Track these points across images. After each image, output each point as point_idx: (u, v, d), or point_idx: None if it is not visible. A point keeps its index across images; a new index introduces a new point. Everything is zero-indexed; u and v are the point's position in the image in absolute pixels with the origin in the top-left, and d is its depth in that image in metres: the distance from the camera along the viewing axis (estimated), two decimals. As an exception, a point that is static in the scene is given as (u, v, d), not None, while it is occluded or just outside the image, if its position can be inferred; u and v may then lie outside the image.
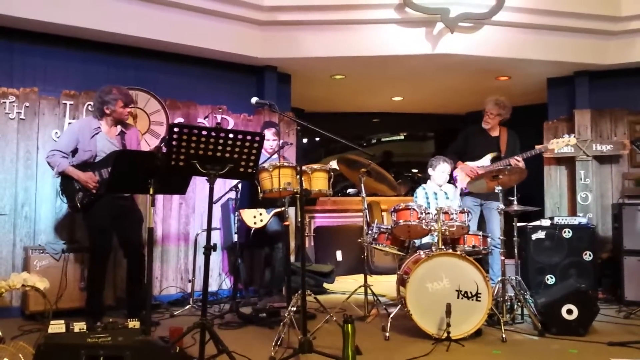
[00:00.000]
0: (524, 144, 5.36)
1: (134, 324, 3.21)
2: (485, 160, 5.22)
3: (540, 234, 5.17)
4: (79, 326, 3.07)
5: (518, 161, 5.06)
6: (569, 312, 3.85)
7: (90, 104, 4.76)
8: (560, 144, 5.01)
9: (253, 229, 4.87)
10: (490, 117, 5.36)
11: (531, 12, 5.52)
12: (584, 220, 5.32)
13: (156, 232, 5.23)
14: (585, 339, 3.74)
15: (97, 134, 4.25)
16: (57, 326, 3.03)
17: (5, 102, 4.65)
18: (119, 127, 4.36)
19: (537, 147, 5.19)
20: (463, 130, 5.68)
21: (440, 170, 5.03)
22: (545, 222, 5.23)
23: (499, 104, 5.34)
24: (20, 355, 2.62)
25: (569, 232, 5.12)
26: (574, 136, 5.08)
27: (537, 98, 6.93)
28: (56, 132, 4.80)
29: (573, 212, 5.98)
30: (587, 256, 5.07)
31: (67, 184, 4.19)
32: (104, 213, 4.18)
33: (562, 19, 5.59)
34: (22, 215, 4.70)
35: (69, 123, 4.82)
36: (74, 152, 4.24)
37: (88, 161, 4.20)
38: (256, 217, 4.86)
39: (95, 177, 4.15)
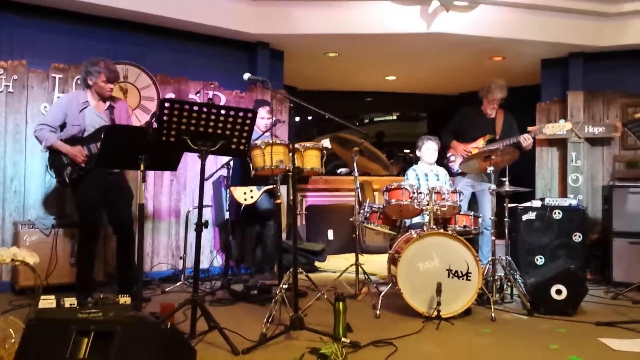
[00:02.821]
0: (518, 125, 5.35)
1: (124, 299, 3.20)
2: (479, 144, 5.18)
3: (531, 215, 5.19)
4: (69, 301, 3.06)
5: (526, 139, 5.00)
6: (558, 292, 3.89)
7: (79, 78, 4.69)
8: (555, 129, 5.02)
9: (244, 206, 4.86)
10: (496, 103, 5.27)
11: (527, -8, 5.49)
12: (574, 202, 5.34)
13: (147, 208, 5.20)
14: (573, 319, 3.78)
15: (85, 108, 4.19)
16: (47, 301, 3.02)
17: (-8, 75, 4.58)
18: (108, 102, 4.29)
19: (530, 129, 5.18)
20: (459, 110, 5.59)
21: (426, 148, 5.03)
22: (536, 203, 5.26)
23: (503, 89, 5.23)
24: (10, 329, 2.60)
25: (559, 213, 5.14)
26: (569, 121, 5.07)
27: (530, 79, 6.92)
28: (45, 106, 4.73)
29: (564, 193, 6.01)
30: (577, 237, 5.10)
31: (56, 159, 4.14)
32: (93, 188, 4.14)
33: (557, -1, 5.56)
34: (12, 190, 4.65)
35: (58, 97, 4.74)
36: (62, 126, 4.18)
37: (77, 135, 4.15)
38: (246, 194, 4.85)
39: (84, 151, 4.10)
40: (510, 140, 5.04)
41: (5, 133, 4.64)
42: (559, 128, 4.99)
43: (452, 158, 5.14)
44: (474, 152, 5.01)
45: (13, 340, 2.56)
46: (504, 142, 5.05)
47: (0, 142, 4.62)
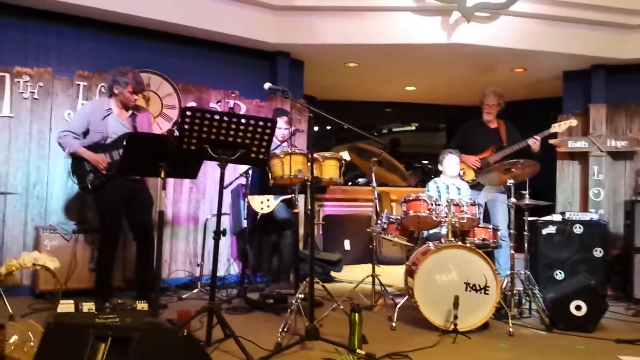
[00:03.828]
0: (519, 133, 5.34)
1: (142, 305, 3.23)
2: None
3: (551, 229, 5.12)
4: (87, 306, 3.09)
5: (536, 140, 5.13)
6: (578, 308, 3.83)
7: (103, 86, 4.77)
8: (563, 127, 5.19)
9: (261, 215, 4.88)
10: (492, 109, 5.39)
11: (549, 3, 5.45)
12: (595, 217, 5.26)
13: (166, 215, 5.25)
14: (593, 336, 3.71)
15: (108, 115, 4.25)
16: (66, 306, 3.05)
17: (19, 82, 4.67)
18: (131, 110, 4.35)
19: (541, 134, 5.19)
20: (461, 126, 5.68)
21: (447, 162, 4.99)
22: (557, 217, 5.19)
23: (498, 94, 5.40)
24: (29, 333, 2.64)
25: (580, 227, 5.06)
26: (574, 118, 5.32)
27: (552, 91, 6.85)
28: (69, 113, 4.81)
29: (585, 208, 5.93)
30: (598, 252, 5.02)
31: (78, 165, 4.20)
32: (115, 195, 4.19)
33: (580, 11, 5.50)
34: (34, 195, 4.73)
35: (82, 104, 4.82)
36: (86, 133, 4.24)
37: (99, 142, 4.21)
38: (263, 203, 4.86)
39: (107, 158, 4.15)
40: (520, 145, 5.15)
41: (30, 139, 4.72)
42: (566, 125, 5.15)
43: (461, 172, 5.14)
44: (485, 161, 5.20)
45: (32, 344, 2.59)
46: (513, 147, 5.17)
47: (24, 148, 4.70)
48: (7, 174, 4.63)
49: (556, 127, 5.16)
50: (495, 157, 5.22)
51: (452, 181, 5.00)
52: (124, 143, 3.77)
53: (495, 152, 5.27)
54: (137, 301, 3.28)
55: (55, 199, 4.80)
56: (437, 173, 5.17)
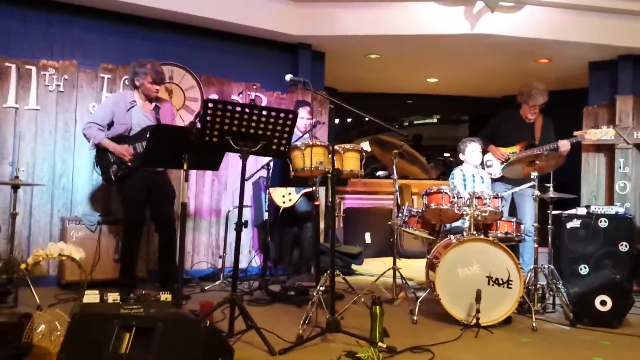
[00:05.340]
0: (562, 130, 5.20)
1: (165, 296, 3.27)
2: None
3: (576, 223, 5.04)
4: (112, 297, 3.14)
5: (566, 144, 4.90)
6: (603, 303, 3.77)
7: (127, 78, 4.82)
8: (598, 134, 4.93)
9: (282, 208, 4.89)
10: (538, 109, 5.12)
11: (575, -7, 5.35)
12: (621, 210, 5.16)
13: (188, 207, 5.29)
14: (618, 332, 3.66)
15: (132, 107, 4.29)
16: (91, 296, 3.11)
17: (45, 74, 4.73)
18: (154, 102, 4.39)
19: (576, 133, 5.02)
20: (496, 115, 5.48)
21: (470, 150, 4.92)
22: (581, 211, 5.11)
23: (545, 94, 5.08)
24: (56, 322, 2.69)
25: (605, 221, 4.98)
26: (613, 127, 5.06)
27: (577, 82, 6.74)
28: (94, 105, 4.87)
29: (610, 201, 5.83)
30: (623, 247, 4.93)
31: (102, 157, 4.25)
32: (138, 186, 4.23)
33: (606, 0, 5.39)
34: (60, 187, 4.81)
35: (106, 96, 4.88)
36: (110, 125, 4.29)
37: (123, 134, 4.25)
38: (285, 197, 4.87)
39: (131, 149, 4.20)
40: (549, 146, 4.92)
41: (56, 131, 4.80)
42: (601, 134, 4.91)
43: (489, 163, 5.03)
44: (513, 156, 4.96)
45: (59, 333, 2.64)
46: (544, 147, 4.94)
47: (50, 140, 4.78)
48: (34, 166, 4.71)
49: (591, 134, 4.90)
50: (522, 155, 5.04)
51: (476, 170, 4.95)
52: (148, 135, 3.80)
53: (524, 150, 5.05)
54: (161, 292, 3.33)
55: (80, 191, 4.88)
56: (459, 165, 5.11)
